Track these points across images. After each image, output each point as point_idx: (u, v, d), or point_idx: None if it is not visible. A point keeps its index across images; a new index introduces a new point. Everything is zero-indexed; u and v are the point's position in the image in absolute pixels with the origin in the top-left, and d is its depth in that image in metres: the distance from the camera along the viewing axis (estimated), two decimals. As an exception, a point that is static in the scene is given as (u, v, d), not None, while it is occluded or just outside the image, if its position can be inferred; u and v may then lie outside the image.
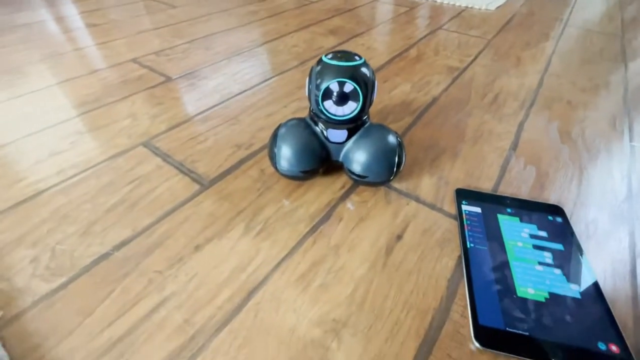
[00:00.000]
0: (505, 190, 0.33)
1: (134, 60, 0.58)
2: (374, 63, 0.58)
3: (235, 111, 0.45)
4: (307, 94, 0.30)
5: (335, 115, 0.29)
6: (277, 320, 0.23)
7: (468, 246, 0.27)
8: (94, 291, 0.24)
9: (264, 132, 0.41)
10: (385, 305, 0.24)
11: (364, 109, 0.29)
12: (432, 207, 0.31)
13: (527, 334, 0.22)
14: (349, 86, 0.27)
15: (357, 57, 0.29)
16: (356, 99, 0.28)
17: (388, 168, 0.30)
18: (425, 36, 0.69)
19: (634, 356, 0.21)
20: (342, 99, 0.28)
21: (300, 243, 0.28)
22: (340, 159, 0.32)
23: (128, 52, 0.61)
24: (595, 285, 0.25)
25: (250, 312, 0.23)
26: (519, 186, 0.33)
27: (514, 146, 0.39)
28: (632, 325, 0.23)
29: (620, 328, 0.22)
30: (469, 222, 0.29)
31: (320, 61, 0.29)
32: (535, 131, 0.41)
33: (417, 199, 0.32)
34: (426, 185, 0.34)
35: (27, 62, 0.58)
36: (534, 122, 0.43)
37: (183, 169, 0.35)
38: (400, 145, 0.30)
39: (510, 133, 0.41)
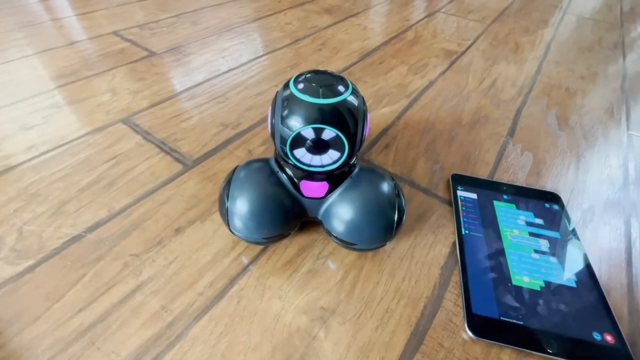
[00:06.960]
0: (502, 176, 0.32)
1: (116, 33, 0.55)
2: (370, 44, 0.56)
3: (223, 89, 0.42)
4: (269, 128, 0.22)
5: (310, 166, 0.21)
6: (262, 307, 0.21)
7: (463, 233, 0.26)
8: (63, 275, 0.23)
9: (252, 112, 0.39)
10: (375, 292, 0.23)
11: (352, 156, 0.21)
12: (426, 192, 0.30)
13: (521, 323, 0.21)
14: (329, 133, 0.19)
15: (341, 87, 0.20)
16: (340, 148, 0.20)
17: (385, 231, 0.22)
18: (423, 18, 0.67)
19: (629, 346, 0.20)
20: (320, 147, 0.20)
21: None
22: (320, 216, 0.24)
23: (109, 25, 0.58)
24: (591, 274, 0.24)
25: (233, 298, 0.22)
26: (516, 173, 0.32)
27: (511, 132, 0.38)
28: (627, 315, 0.22)
29: (615, 318, 0.21)
30: (464, 208, 0.28)
31: (286, 87, 0.21)
32: (533, 117, 0.40)
33: (411, 184, 0.31)
34: (421, 169, 0.32)
35: (1, 30, 0.54)
36: (532, 108, 0.42)
37: (165, 148, 0.33)
38: (399, 195, 0.23)
39: (508, 119, 0.40)
